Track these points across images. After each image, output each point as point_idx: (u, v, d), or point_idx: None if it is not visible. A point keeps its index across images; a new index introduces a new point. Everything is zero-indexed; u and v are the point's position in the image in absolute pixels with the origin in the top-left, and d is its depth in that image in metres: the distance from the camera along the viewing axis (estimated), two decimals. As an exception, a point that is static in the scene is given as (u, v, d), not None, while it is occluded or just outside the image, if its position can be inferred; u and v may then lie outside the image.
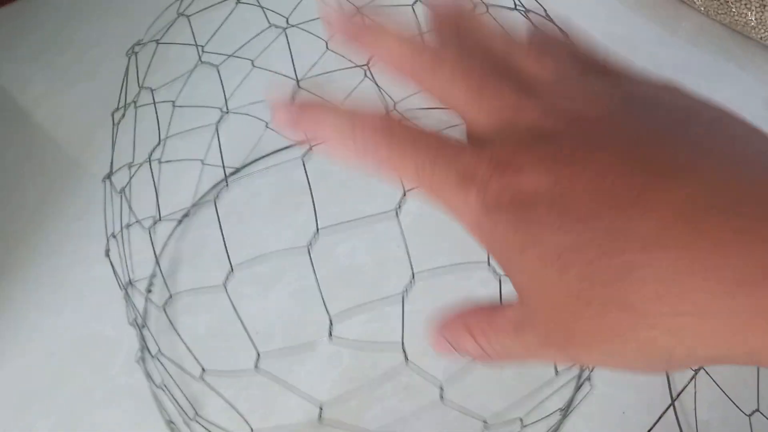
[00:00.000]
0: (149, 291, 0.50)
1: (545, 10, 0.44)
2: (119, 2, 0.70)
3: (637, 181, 0.20)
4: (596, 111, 0.22)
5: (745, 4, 0.67)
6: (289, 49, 0.40)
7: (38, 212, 0.54)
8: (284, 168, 0.56)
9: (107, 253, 0.43)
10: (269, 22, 0.42)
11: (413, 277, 0.33)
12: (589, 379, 0.46)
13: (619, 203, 0.20)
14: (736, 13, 0.68)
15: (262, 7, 0.42)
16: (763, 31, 0.66)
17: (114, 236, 0.42)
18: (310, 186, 0.33)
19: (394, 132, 0.24)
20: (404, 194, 0.32)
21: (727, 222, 0.19)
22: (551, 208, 0.21)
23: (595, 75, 0.25)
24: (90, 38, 0.67)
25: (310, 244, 0.33)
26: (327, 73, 0.50)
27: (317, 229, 0.33)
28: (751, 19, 0.67)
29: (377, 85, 0.50)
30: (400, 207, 0.32)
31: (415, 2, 0.40)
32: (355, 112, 0.25)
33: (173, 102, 0.46)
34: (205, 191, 0.55)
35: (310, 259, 0.34)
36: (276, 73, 0.50)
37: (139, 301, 0.46)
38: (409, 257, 0.35)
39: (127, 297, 0.43)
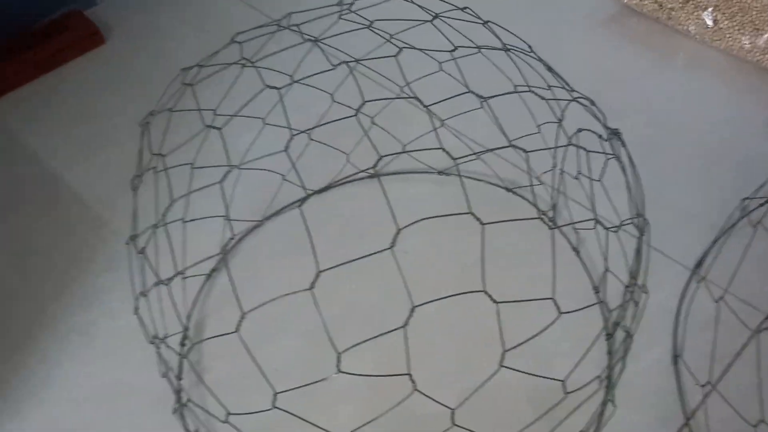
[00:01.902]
0: (183, 345, 0.52)
1: (530, 47, 0.46)
2: (135, 72, 0.75)
3: None
4: None
5: (738, 30, 0.69)
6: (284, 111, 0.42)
7: (67, 269, 0.57)
8: (299, 215, 0.59)
9: (136, 311, 0.45)
10: (264, 83, 0.45)
11: (413, 309, 0.35)
12: (612, 400, 0.46)
13: None
14: (730, 39, 0.70)
15: (252, 69, 0.45)
16: (758, 54, 0.68)
17: (144, 294, 0.45)
18: (309, 235, 0.35)
19: None
20: (399, 230, 0.34)
21: None
22: None
23: None
24: (110, 107, 0.71)
25: (313, 285, 0.35)
26: (334, 121, 0.53)
27: (318, 271, 0.35)
28: (746, 44, 0.69)
29: (385, 130, 0.53)
30: (394, 244, 0.34)
31: (434, 18, 0.42)
32: None
33: (191, 164, 0.49)
34: (230, 243, 0.58)
35: (314, 299, 0.36)
36: (286, 128, 0.53)
37: (168, 353, 0.49)
38: (408, 290, 0.36)
39: (158, 352, 0.45)
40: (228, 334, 0.39)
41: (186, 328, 0.53)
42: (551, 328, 0.40)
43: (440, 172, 0.62)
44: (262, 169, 0.58)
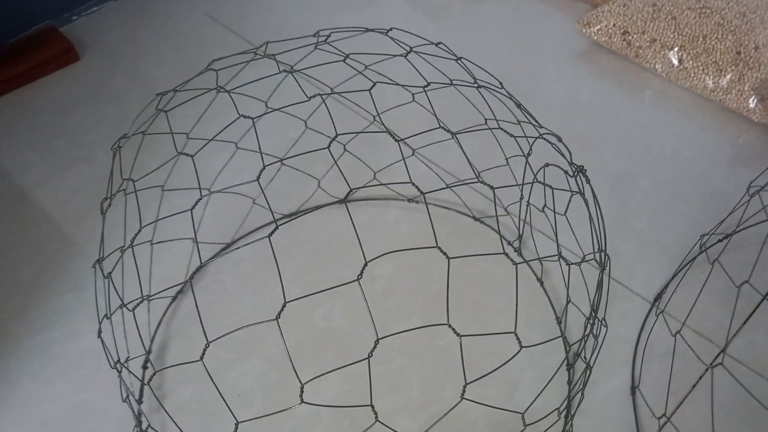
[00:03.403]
0: (145, 367, 0.52)
1: (500, 83, 0.47)
2: (109, 89, 0.75)
3: None
4: None
5: (703, 70, 0.71)
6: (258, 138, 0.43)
7: (33, 288, 0.57)
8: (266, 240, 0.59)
9: (99, 335, 0.45)
10: (238, 112, 0.45)
11: (377, 342, 0.35)
12: (570, 431, 0.47)
13: None
14: (695, 78, 0.72)
15: (227, 98, 0.45)
16: (720, 94, 0.70)
17: (108, 317, 0.45)
18: (276, 262, 0.36)
19: None
20: (366, 264, 0.34)
21: None
22: None
23: None
24: (84, 124, 0.71)
25: (278, 316, 0.35)
26: (307, 152, 0.54)
27: (284, 303, 0.35)
28: (710, 84, 0.71)
29: (357, 157, 0.53)
30: (361, 275, 0.34)
31: (408, 52, 0.43)
32: None
33: (162, 186, 0.49)
34: (196, 267, 0.58)
35: (280, 330, 0.36)
36: (260, 153, 0.53)
37: (131, 376, 0.48)
38: (373, 322, 0.37)
39: (120, 377, 0.45)
40: (191, 362, 0.39)
41: (149, 351, 0.52)
42: (514, 358, 0.41)
43: (410, 200, 0.63)
44: (233, 193, 0.59)
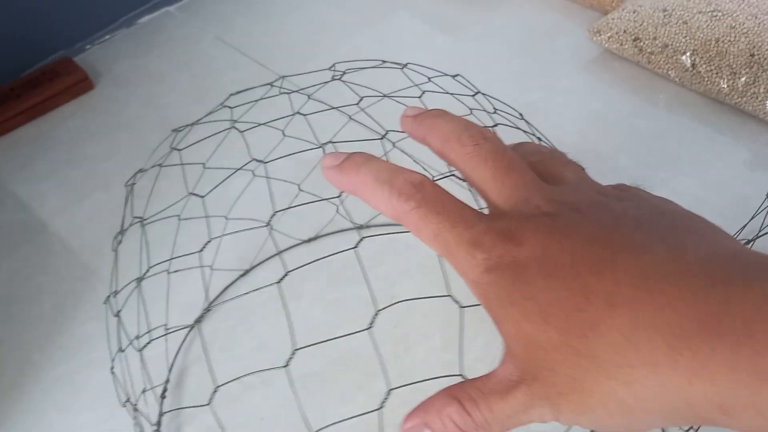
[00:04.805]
0: (164, 397, 0.52)
1: (521, 114, 0.47)
2: (123, 117, 0.75)
3: (609, 253, 0.24)
4: (591, 204, 0.27)
5: (717, 73, 0.71)
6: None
7: (54, 318, 0.57)
8: (287, 262, 0.59)
9: (112, 370, 0.45)
10: (250, 155, 0.46)
11: (389, 392, 0.34)
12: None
13: (593, 268, 0.24)
14: (708, 82, 0.71)
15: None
16: (736, 97, 0.69)
17: (122, 350, 0.45)
18: (286, 308, 0.35)
19: (426, 191, 0.28)
20: (376, 313, 0.34)
21: (675, 285, 0.23)
22: (540, 270, 0.25)
23: (600, 190, 0.29)
24: (98, 153, 0.71)
25: (288, 363, 0.35)
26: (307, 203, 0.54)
27: (294, 350, 0.35)
28: (724, 87, 0.70)
29: (345, 211, 0.53)
30: (372, 325, 0.34)
31: (422, 95, 0.43)
32: (397, 166, 0.29)
33: (179, 216, 0.49)
34: (216, 293, 0.58)
35: (289, 377, 0.36)
36: (278, 179, 0.53)
37: (147, 407, 0.48)
38: (385, 371, 0.36)
39: (132, 412, 0.45)
40: (200, 406, 0.39)
41: (167, 381, 0.53)
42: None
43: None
44: (249, 219, 0.59)
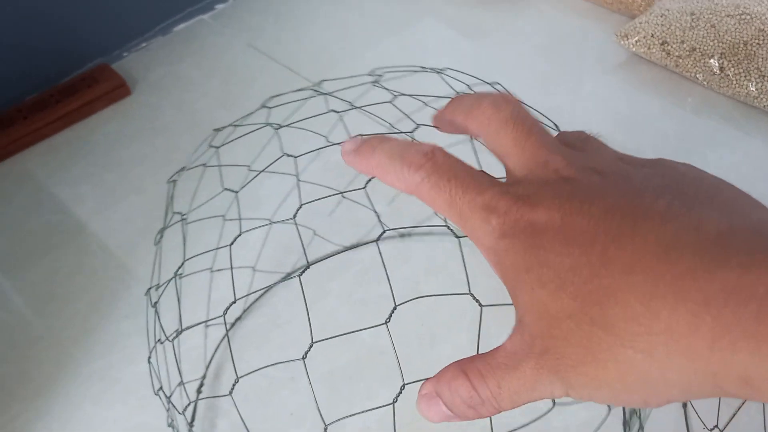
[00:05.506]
0: (200, 391, 0.53)
1: (556, 125, 0.47)
2: (159, 122, 0.77)
3: (630, 221, 0.23)
4: (612, 169, 0.26)
5: (745, 76, 0.70)
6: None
7: (91, 315, 0.59)
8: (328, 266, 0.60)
9: (149, 360, 0.47)
10: (281, 150, 0.47)
11: (403, 387, 0.35)
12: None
13: (613, 235, 0.23)
14: (737, 85, 0.71)
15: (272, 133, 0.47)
16: (765, 100, 0.69)
17: (161, 342, 0.46)
18: (306, 306, 0.37)
19: (437, 159, 0.27)
20: (394, 308, 0.35)
21: (696, 255, 0.22)
22: (557, 236, 0.24)
23: (622, 157, 0.29)
24: (135, 157, 0.73)
25: (305, 355, 0.36)
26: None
27: (311, 343, 0.36)
28: (753, 90, 0.70)
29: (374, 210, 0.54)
30: (389, 320, 0.35)
31: (394, 98, 0.44)
32: (409, 142, 0.30)
33: (223, 216, 0.50)
34: (257, 295, 0.59)
35: (306, 370, 0.37)
36: (321, 186, 0.54)
37: (182, 398, 0.50)
38: (401, 372, 0.37)
39: (165, 402, 0.46)
40: (221, 396, 0.40)
41: (204, 376, 0.54)
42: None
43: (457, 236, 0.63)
44: (291, 222, 0.60)
